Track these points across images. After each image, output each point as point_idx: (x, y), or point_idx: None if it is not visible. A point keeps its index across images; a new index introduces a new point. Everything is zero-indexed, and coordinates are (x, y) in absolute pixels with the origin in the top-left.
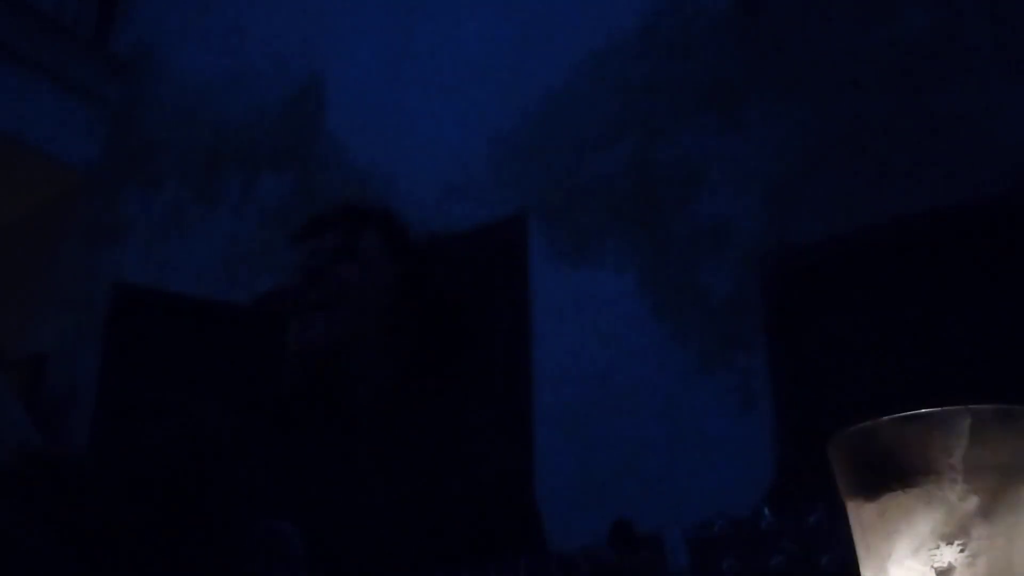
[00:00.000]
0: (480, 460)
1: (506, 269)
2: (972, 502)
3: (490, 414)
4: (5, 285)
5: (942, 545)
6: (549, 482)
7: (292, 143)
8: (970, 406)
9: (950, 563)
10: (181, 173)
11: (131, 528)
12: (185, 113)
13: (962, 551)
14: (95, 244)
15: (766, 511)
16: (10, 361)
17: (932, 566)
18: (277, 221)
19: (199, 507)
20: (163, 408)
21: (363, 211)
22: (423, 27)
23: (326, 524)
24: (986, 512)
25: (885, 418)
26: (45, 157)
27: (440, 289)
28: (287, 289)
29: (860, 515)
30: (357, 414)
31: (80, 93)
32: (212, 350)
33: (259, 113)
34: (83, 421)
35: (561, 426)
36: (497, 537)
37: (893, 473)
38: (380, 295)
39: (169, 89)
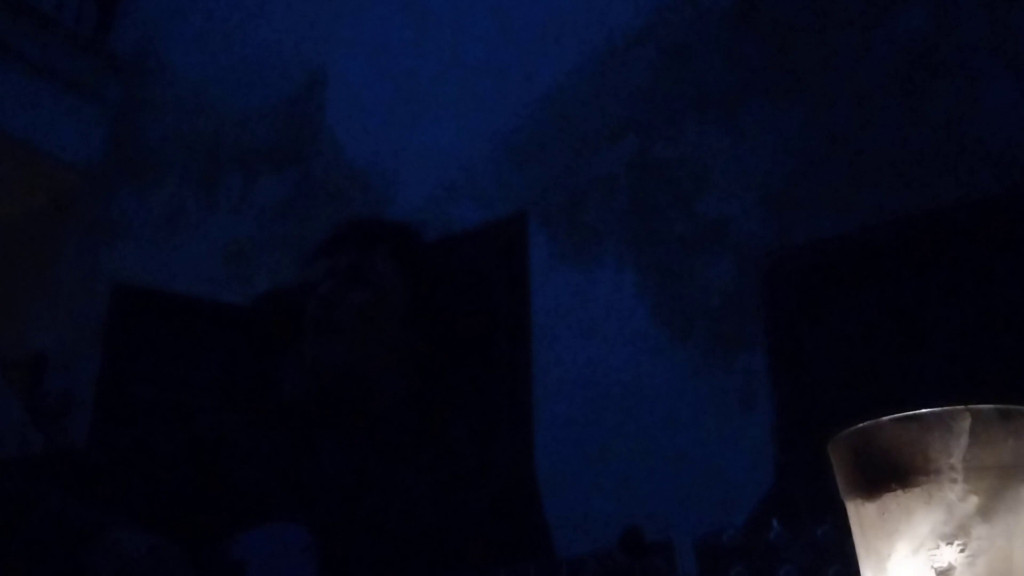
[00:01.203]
0: (487, 464)
1: (506, 269)
2: (972, 502)
3: (493, 417)
4: (5, 285)
5: (942, 545)
6: (548, 482)
7: (292, 143)
8: (970, 406)
9: (950, 563)
10: (181, 173)
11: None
12: (185, 113)
13: (962, 551)
14: (95, 244)
15: (775, 523)
16: (10, 361)
17: (932, 566)
18: (277, 221)
19: (207, 508)
20: (169, 408)
21: (375, 230)
22: (423, 27)
23: (336, 528)
24: (986, 512)
25: (885, 418)
26: (45, 157)
27: (451, 303)
28: (299, 304)
29: (860, 515)
30: (368, 422)
31: (80, 93)
32: (212, 350)
33: (259, 113)
34: (83, 421)
35: (560, 426)
36: (506, 542)
37: (893, 473)
38: (392, 316)
39: (169, 89)
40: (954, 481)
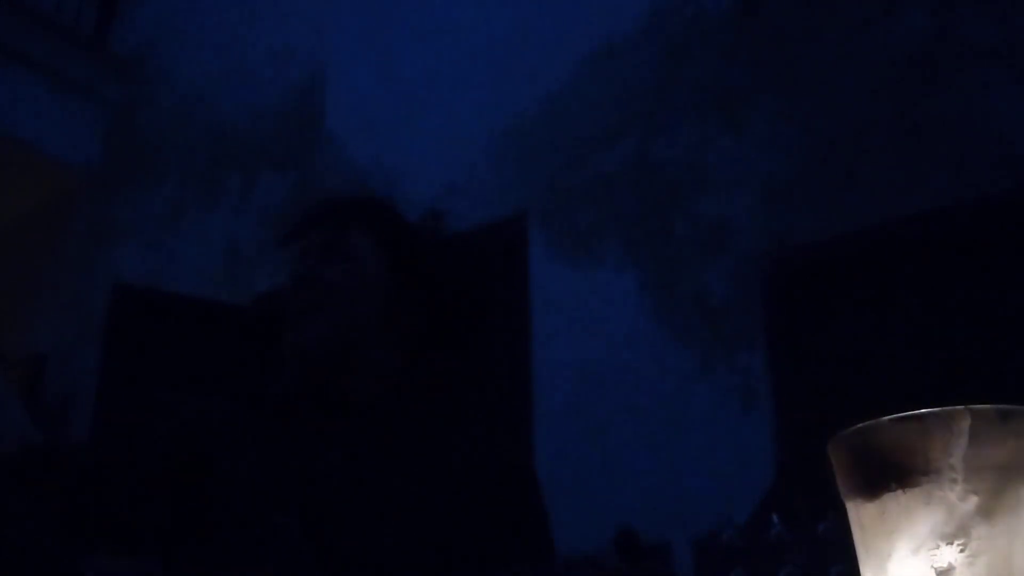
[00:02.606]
0: (487, 462)
1: (506, 269)
2: (972, 502)
3: (493, 413)
4: (5, 285)
5: (942, 545)
6: (546, 482)
7: (292, 143)
8: (970, 406)
9: (950, 563)
10: (181, 173)
11: (131, 519)
12: (185, 113)
13: (962, 551)
14: (95, 244)
15: (775, 521)
16: (10, 361)
17: (932, 566)
18: (277, 221)
19: (200, 500)
20: (164, 404)
21: (350, 206)
22: (423, 27)
23: (328, 521)
24: (986, 512)
25: (885, 418)
26: (45, 157)
27: (438, 278)
28: (281, 292)
29: (860, 515)
30: (359, 411)
31: (80, 93)
32: (212, 350)
33: (259, 113)
34: (83, 421)
35: (560, 426)
36: (505, 542)
37: (893, 473)
38: (372, 292)
39: (169, 89)
40: (954, 481)
